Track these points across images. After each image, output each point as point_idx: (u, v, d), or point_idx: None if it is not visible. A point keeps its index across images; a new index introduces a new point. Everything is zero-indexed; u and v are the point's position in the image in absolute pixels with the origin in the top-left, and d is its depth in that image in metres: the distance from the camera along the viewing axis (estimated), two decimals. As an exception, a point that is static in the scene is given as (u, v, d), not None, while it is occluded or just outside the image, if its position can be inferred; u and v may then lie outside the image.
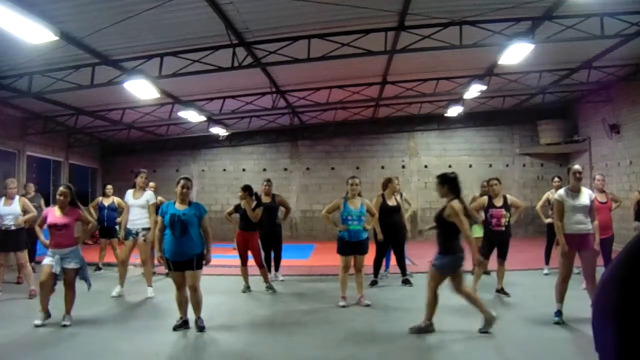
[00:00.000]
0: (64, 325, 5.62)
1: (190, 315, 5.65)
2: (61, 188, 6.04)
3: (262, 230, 8.24)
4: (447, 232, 5.29)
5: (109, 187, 10.23)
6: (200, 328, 5.54)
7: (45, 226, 6.07)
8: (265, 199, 8.58)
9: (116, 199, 9.95)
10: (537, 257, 9.38)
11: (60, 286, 5.85)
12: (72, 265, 5.81)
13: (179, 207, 5.57)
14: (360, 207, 6.80)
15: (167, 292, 7.60)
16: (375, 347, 5.00)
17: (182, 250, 5.44)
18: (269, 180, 8.98)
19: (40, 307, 5.75)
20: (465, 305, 6.71)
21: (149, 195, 7.56)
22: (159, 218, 5.64)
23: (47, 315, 5.76)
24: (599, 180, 7.75)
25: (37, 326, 5.59)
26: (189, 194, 5.67)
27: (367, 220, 6.95)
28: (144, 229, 7.44)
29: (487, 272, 8.01)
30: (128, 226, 7.45)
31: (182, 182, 5.66)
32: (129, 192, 7.62)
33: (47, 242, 5.95)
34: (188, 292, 5.59)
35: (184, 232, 5.43)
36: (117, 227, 9.42)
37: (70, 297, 5.81)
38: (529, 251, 11.03)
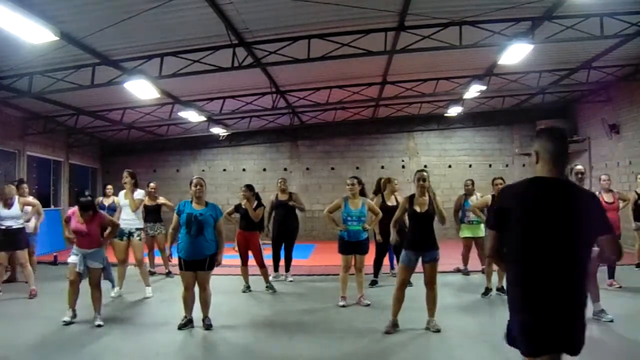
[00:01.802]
0: (98, 325, 5.63)
1: (196, 314, 5.66)
2: (84, 202, 5.82)
3: (282, 227, 8.57)
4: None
5: (109, 187, 10.23)
6: (208, 326, 5.57)
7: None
8: (282, 197, 8.69)
9: (116, 199, 9.94)
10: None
11: (85, 286, 5.85)
12: (95, 265, 5.83)
13: (196, 207, 5.59)
14: (361, 207, 6.81)
15: (166, 291, 7.63)
16: (375, 347, 5.01)
17: (197, 249, 5.46)
18: (284, 179, 9.22)
19: (68, 305, 5.78)
20: (464, 305, 6.76)
21: (139, 195, 7.62)
22: (175, 216, 5.66)
23: (74, 313, 5.79)
24: (604, 180, 7.76)
25: (65, 323, 5.63)
26: (204, 192, 5.66)
27: (368, 221, 6.96)
28: (137, 229, 7.52)
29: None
30: (121, 226, 7.46)
31: (194, 180, 5.71)
32: (121, 193, 7.73)
33: (72, 237, 5.88)
34: (197, 291, 5.61)
35: (199, 232, 5.45)
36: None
37: (97, 297, 5.84)
38: (528, 251, 11.01)
